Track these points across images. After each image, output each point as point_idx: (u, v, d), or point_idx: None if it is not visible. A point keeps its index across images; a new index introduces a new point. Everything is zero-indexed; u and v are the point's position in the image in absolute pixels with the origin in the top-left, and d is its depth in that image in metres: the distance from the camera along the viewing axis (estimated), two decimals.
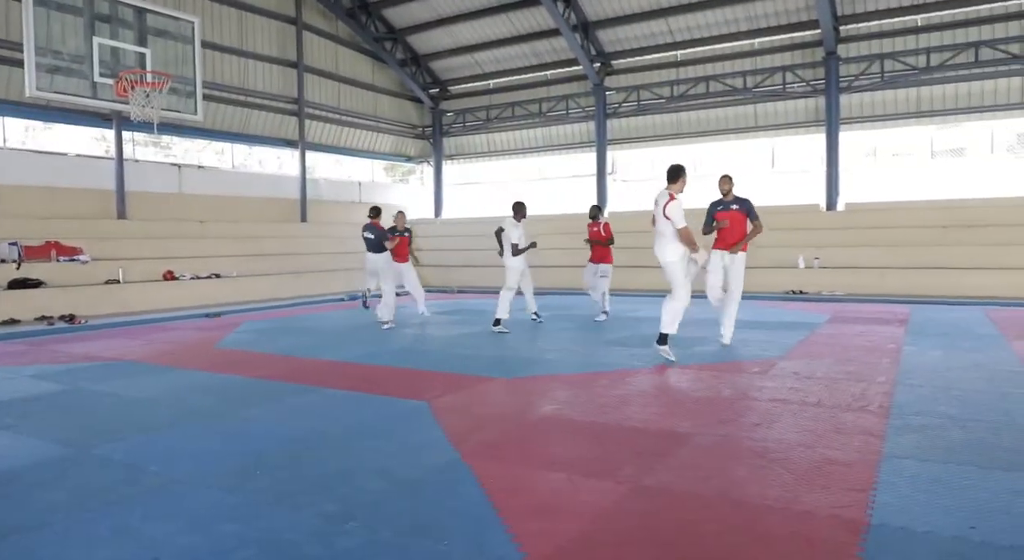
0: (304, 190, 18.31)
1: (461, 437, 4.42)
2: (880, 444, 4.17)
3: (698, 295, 7.65)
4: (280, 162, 18.86)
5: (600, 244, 10.76)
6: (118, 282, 12.71)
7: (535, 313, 10.54)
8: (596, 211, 10.95)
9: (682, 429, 4.54)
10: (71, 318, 10.99)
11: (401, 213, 11.40)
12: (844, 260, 14.75)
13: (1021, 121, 15.40)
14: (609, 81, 19.11)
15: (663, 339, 7.01)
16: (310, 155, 18.89)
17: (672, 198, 6.70)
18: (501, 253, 9.77)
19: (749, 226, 7.73)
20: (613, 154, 19.74)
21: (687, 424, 4.66)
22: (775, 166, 18.09)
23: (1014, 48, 14.70)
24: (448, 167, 22.70)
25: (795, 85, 16.73)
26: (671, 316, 6.98)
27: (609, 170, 19.69)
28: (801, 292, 14.26)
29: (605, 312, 10.73)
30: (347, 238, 18.87)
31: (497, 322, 9.46)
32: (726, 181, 7.83)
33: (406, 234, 11.30)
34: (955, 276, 13.43)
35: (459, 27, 19.27)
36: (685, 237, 6.73)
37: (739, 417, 4.82)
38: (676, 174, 6.76)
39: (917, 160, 16.74)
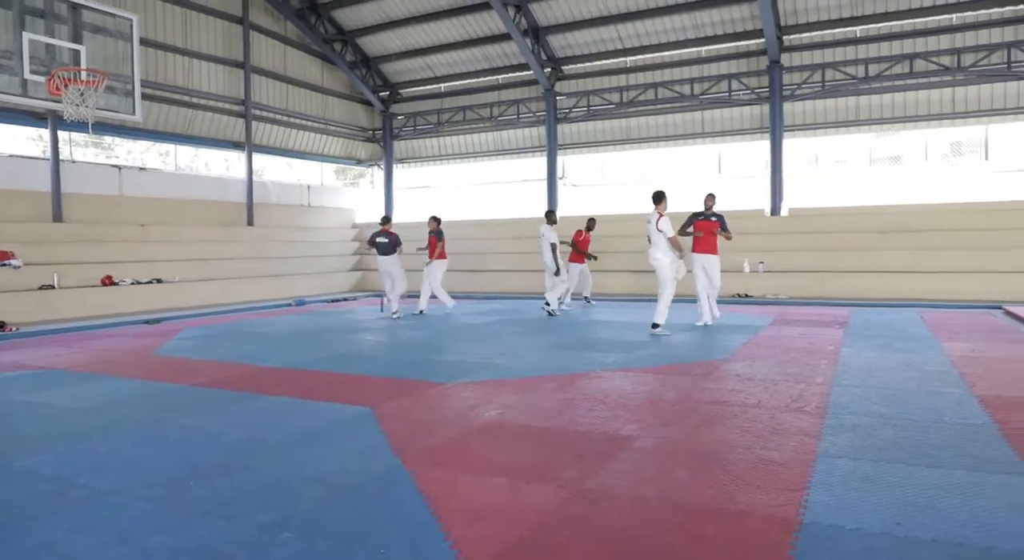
0: (251, 193, 17.96)
1: (403, 443, 4.38)
2: (815, 444, 4.26)
3: (643, 298, 7.73)
4: (227, 164, 18.47)
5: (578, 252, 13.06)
6: (53, 287, 12.26)
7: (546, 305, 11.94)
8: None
9: (625, 432, 4.57)
10: (1, 325, 10.56)
11: (434, 217, 12.45)
12: (787, 264, 15.11)
13: (953, 131, 16.01)
14: (560, 86, 19.25)
15: (657, 326, 9.11)
16: (257, 157, 18.54)
17: (661, 215, 8.88)
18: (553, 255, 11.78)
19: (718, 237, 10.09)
20: (564, 158, 19.87)
21: (630, 427, 4.69)
22: (721, 172, 18.46)
23: (945, 60, 15.29)
24: (399, 171, 22.56)
25: (740, 93, 17.10)
26: (663, 307, 9.10)
27: (560, 174, 19.81)
28: (746, 295, 14.56)
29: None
30: (295, 242, 18.61)
31: (548, 305, 11.76)
32: (711, 198, 10.18)
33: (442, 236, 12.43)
34: (891, 279, 13.88)
35: (410, 30, 19.18)
36: (675, 243, 8.92)
37: (681, 419, 4.88)
38: (660, 197, 8.97)
39: (857, 167, 17.27)
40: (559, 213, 18.98)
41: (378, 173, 22.82)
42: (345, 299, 16.64)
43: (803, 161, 17.67)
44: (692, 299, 11.37)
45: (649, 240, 9.09)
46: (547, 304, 11.85)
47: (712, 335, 9.16)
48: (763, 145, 17.26)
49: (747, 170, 18.16)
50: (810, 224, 15.98)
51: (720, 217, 10.16)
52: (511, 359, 7.48)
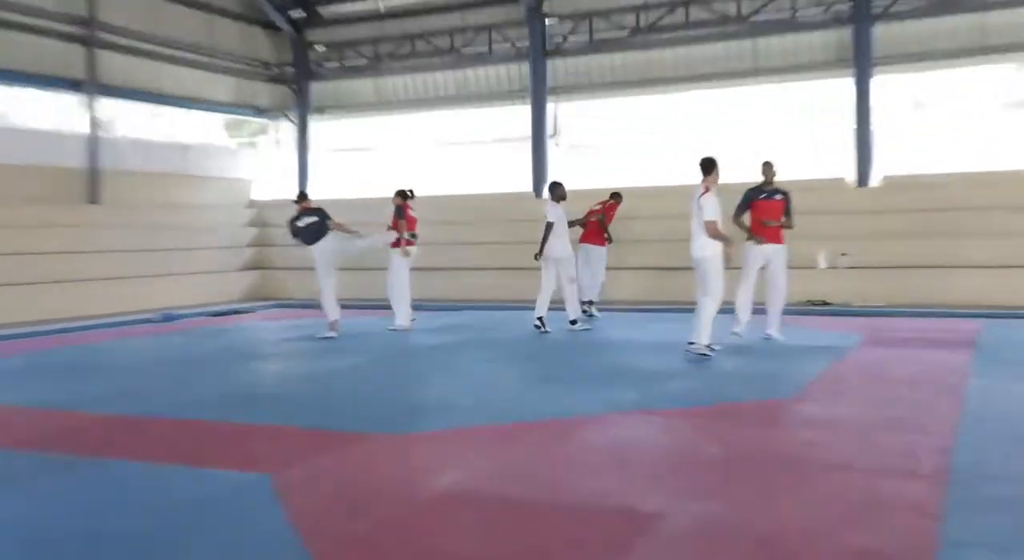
0: (95, 155, 17.73)
1: (316, 529, 4.31)
2: (935, 527, 4.21)
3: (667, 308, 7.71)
4: (60, 114, 18.19)
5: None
6: None
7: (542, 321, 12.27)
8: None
9: (648, 507, 4.53)
10: None
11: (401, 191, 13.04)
12: (883, 256, 15.16)
13: None
14: (549, 5, 19.25)
15: (695, 345, 9.27)
16: (107, 103, 18.32)
17: (707, 190, 9.14)
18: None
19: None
20: (555, 108, 19.90)
21: (655, 500, 4.66)
22: (786, 124, 18.46)
23: None
24: (319, 125, 22.55)
25: (808, 9, 17.14)
26: (705, 320, 9.21)
27: (550, 131, 19.81)
28: (823, 302, 14.57)
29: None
30: (162, 228, 18.40)
31: (574, 322, 12.14)
32: (769, 168, 10.46)
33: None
34: None
35: None
36: (711, 230, 9.07)
37: (730, 488, 4.85)
38: (710, 166, 9.22)
39: (982, 112, 17.26)
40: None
41: (288, 129, 22.76)
42: (237, 312, 16.48)
43: (900, 107, 17.72)
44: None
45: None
46: (540, 322, 12.16)
47: (774, 359, 9.13)
48: (843, 84, 17.24)
49: (817, 118, 18.20)
50: (916, 199, 15.98)
51: (786, 195, 10.52)
52: (483, 397, 7.51)
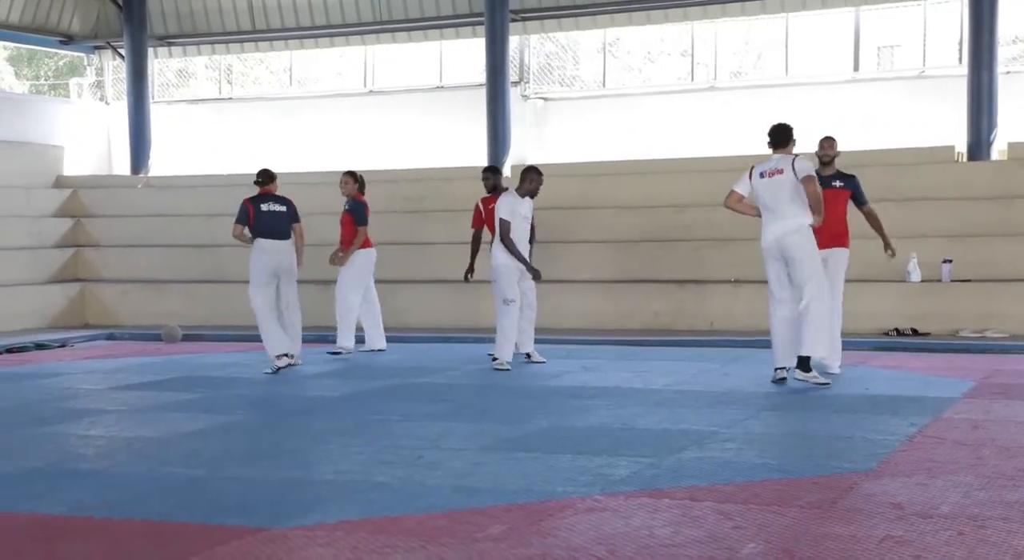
0: None
1: None
2: None
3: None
4: None
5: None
6: None
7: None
8: (491, 178, 14.46)
9: None
10: None
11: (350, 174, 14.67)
12: (1006, 264, 15.31)
13: None
14: None
15: (805, 364, 10.48)
16: None
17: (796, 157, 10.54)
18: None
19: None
20: (522, 42, 19.97)
21: None
22: (859, 69, 18.71)
23: None
24: (163, 64, 22.70)
25: None
26: (819, 325, 10.49)
27: (515, 77, 19.85)
28: (912, 331, 14.71)
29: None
30: None
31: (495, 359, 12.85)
32: (830, 144, 11.51)
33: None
34: None
35: None
36: (818, 200, 10.39)
37: None
38: (787, 135, 10.65)
39: None
40: (519, 160, 19.05)
41: (112, 67, 22.56)
42: (40, 346, 16.41)
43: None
44: (763, 339, 11.53)
45: (760, 210, 10.61)
46: (494, 358, 12.70)
47: (837, 414, 9.20)
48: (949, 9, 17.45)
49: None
50: None
51: (851, 179, 11.47)
52: (414, 471, 7.54)
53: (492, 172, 14.70)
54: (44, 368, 14.27)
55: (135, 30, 21.85)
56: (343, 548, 5.78)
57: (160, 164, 22.03)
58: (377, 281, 14.68)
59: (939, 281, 15.27)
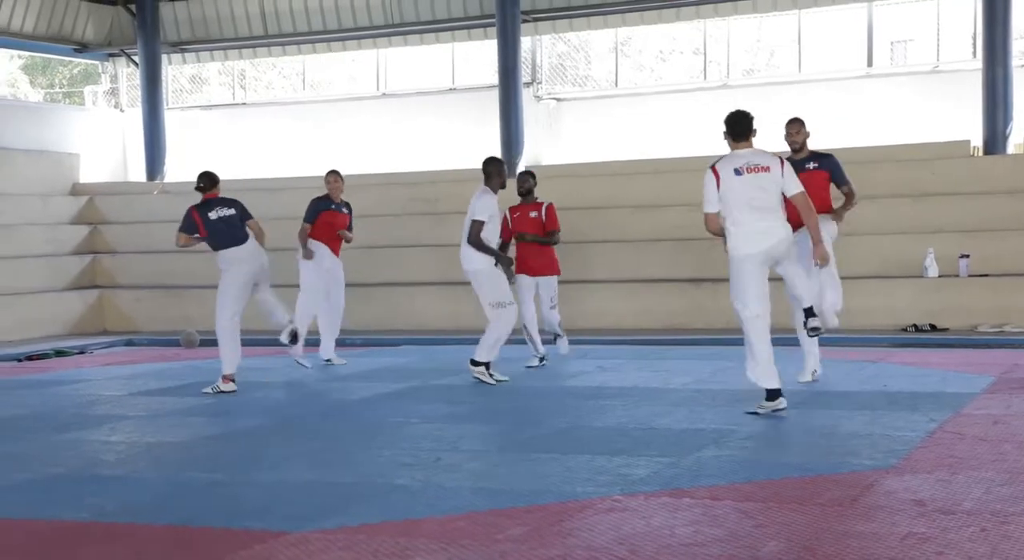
0: None
1: None
2: None
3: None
4: None
5: (540, 241, 13.04)
6: None
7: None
8: (529, 181, 13.32)
9: None
10: None
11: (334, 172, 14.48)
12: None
13: None
14: None
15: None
16: None
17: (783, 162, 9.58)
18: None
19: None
20: (534, 42, 20.00)
21: None
22: (873, 65, 18.66)
23: None
24: (175, 70, 22.61)
25: None
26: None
27: (527, 78, 19.83)
28: (931, 327, 14.68)
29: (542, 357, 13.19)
30: None
31: (477, 364, 11.75)
32: (796, 128, 10.78)
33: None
34: None
35: None
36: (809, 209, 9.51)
37: None
38: (750, 126, 9.97)
39: None
40: (525, 161, 19.00)
41: (127, 74, 22.58)
42: (59, 353, 16.38)
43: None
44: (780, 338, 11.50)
45: (732, 212, 9.53)
46: (475, 364, 11.97)
47: (857, 412, 9.20)
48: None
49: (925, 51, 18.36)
50: None
51: (828, 158, 10.87)
52: (433, 473, 7.53)
53: (530, 176, 13.63)
54: (64, 375, 14.29)
55: (148, 37, 21.92)
56: (364, 551, 5.76)
57: (175, 170, 22.05)
58: (394, 283, 14.65)
59: (956, 276, 15.24)
